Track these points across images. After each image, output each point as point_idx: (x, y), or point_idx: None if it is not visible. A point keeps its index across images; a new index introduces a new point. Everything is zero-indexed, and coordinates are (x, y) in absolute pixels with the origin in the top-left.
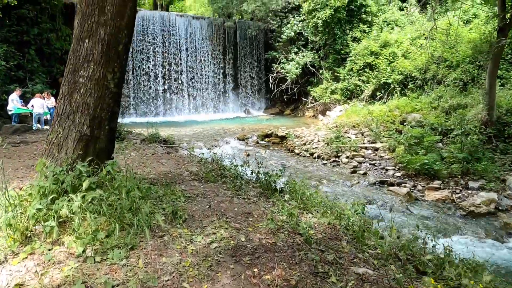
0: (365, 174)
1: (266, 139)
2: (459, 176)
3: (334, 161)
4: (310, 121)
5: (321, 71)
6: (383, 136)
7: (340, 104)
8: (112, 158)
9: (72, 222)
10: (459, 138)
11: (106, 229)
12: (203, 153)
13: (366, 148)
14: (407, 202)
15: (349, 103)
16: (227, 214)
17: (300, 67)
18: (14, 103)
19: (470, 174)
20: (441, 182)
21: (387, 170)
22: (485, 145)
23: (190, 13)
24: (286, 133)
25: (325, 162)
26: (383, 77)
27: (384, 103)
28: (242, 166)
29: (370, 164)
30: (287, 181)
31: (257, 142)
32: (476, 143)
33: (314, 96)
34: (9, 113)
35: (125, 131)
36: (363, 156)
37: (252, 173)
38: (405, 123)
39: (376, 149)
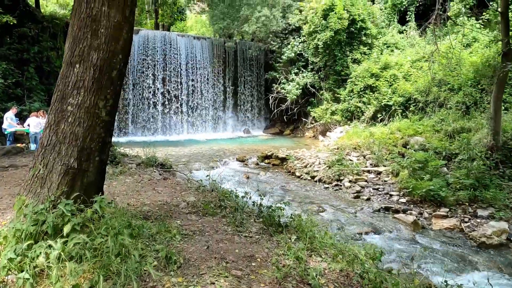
0: (368, 199)
1: (266, 161)
2: (467, 204)
3: (336, 185)
4: (310, 141)
5: (321, 92)
6: (386, 159)
7: (341, 125)
8: (102, 193)
9: (50, 273)
10: (465, 164)
11: (89, 278)
12: (201, 180)
13: (368, 171)
14: (413, 231)
15: (349, 124)
16: (227, 257)
17: (300, 87)
18: (8, 121)
19: (478, 201)
20: (448, 209)
21: (391, 195)
22: (492, 171)
23: (191, 33)
24: (287, 155)
25: (327, 186)
26: (384, 99)
27: (385, 125)
28: (243, 197)
29: (373, 188)
30: (291, 215)
31: (257, 164)
32: (482, 169)
33: (314, 116)
34: (4, 132)
35: (121, 154)
36: (366, 180)
37: (254, 204)
38: (408, 146)
39: (379, 173)
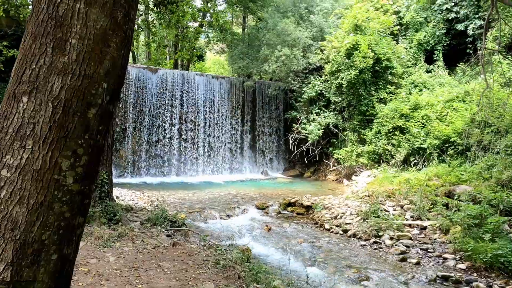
0: (418, 263)
1: (289, 209)
2: None
3: (375, 242)
4: (334, 186)
5: (345, 133)
6: (428, 210)
7: (367, 168)
8: None
9: None
10: None
11: None
12: (219, 247)
13: (410, 225)
14: None
15: (377, 168)
16: None
17: (322, 128)
18: None
19: None
20: None
21: (445, 259)
22: None
23: (210, 73)
24: (312, 203)
25: (363, 243)
26: (417, 141)
27: (420, 170)
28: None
29: (421, 249)
30: None
31: (279, 212)
32: None
33: (337, 158)
34: None
35: (124, 207)
36: (410, 238)
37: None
38: (454, 197)
39: (424, 228)
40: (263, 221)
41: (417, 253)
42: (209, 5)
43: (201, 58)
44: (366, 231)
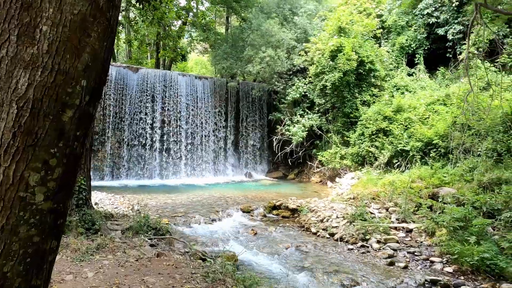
0: (406, 267)
1: (274, 212)
2: None
3: (362, 246)
4: (318, 188)
5: (329, 135)
6: (413, 213)
7: (351, 170)
8: None
9: None
10: None
11: None
12: (206, 252)
13: (396, 228)
14: None
15: (361, 170)
16: None
17: (306, 130)
18: None
19: None
20: (511, 284)
21: (432, 262)
22: None
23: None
24: (298, 206)
25: (350, 247)
26: (400, 143)
27: (403, 172)
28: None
29: (408, 252)
30: None
31: (264, 216)
32: None
33: (321, 160)
34: None
35: (103, 215)
36: (397, 241)
37: None
38: (438, 199)
39: (410, 231)
40: (249, 225)
41: (404, 256)
42: (193, 3)
43: (183, 58)
44: (353, 235)
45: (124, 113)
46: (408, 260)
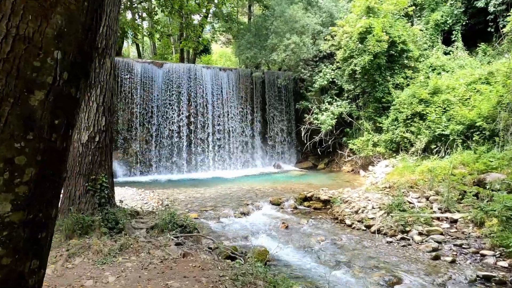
0: (453, 262)
1: (305, 203)
2: None
3: (402, 238)
4: (350, 177)
5: (360, 121)
6: (457, 202)
7: (385, 158)
8: None
9: None
10: None
11: None
12: (237, 251)
13: (438, 219)
14: None
15: (395, 157)
16: None
17: (335, 117)
18: None
19: None
20: None
21: (483, 256)
22: None
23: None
24: (330, 197)
25: (389, 239)
26: (438, 127)
27: (442, 158)
28: None
29: (455, 245)
30: None
31: (295, 208)
32: None
33: (352, 148)
34: None
35: (128, 213)
36: (441, 233)
37: None
38: (485, 186)
39: (454, 221)
40: (279, 218)
41: (450, 249)
42: None
43: (207, 51)
44: (391, 226)
45: (151, 108)
46: (455, 253)
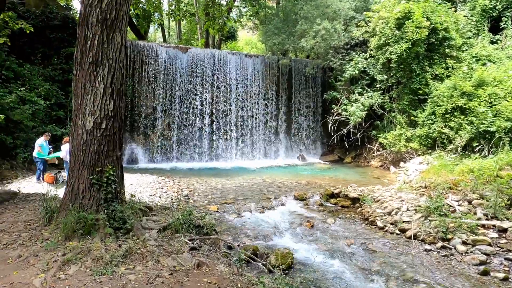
0: (506, 279)
1: (332, 200)
2: None
3: (443, 247)
4: (379, 173)
5: (392, 114)
6: (505, 207)
7: (419, 154)
8: None
9: None
10: None
11: None
12: (259, 251)
13: (484, 226)
14: None
15: (431, 154)
16: None
17: (366, 109)
18: (37, 149)
19: None
20: None
21: None
22: None
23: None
24: (360, 194)
25: (428, 247)
26: (482, 123)
27: (485, 157)
28: None
29: (506, 259)
30: None
31: (321, 205)
32: None
33: (382, 143)
34: (35, 160)
35: (139, 208)
36: (489, 243)
37: None
38: None
39: (503, 230)
40: (304, 215)
41: (501, 264)
42: None
43: (233, 37)
44: (430, 232)
45: (174, 94)
46: (507, 269)
